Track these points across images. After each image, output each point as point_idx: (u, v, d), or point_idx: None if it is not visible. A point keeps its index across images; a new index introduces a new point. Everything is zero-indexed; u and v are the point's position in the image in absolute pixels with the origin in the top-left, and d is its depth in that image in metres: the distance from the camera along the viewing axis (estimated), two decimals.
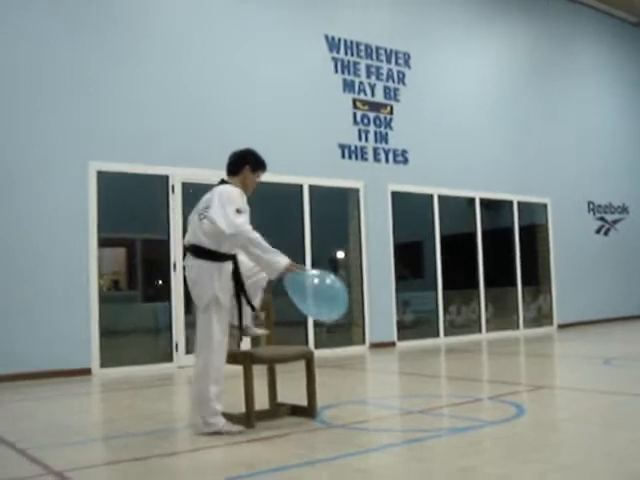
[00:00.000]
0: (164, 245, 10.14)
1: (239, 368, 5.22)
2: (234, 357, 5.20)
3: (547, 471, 3.83)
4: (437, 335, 13.00)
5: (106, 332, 9.54)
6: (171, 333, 10.02)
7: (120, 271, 11.78)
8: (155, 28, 10.21)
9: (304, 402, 5.51)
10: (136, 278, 11.45)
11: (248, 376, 5.09)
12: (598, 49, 17.34)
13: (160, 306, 10.47)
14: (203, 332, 5.07)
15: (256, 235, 4.97)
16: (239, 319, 5.23)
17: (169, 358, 9.97)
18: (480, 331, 13.71)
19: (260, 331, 5.50)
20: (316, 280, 5.12)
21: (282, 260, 4.97)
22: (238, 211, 4.98)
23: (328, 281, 5.12)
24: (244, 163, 5.34)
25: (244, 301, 5.23)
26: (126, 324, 10.58)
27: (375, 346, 11.89)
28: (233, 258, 5.15)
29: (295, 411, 5.54)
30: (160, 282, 10.68)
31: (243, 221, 4.98)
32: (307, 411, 5.44)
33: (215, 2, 10.80)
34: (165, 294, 10.16)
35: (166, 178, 10.06)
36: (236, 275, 5.16)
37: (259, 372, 5.41)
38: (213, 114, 10.43)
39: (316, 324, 11.28)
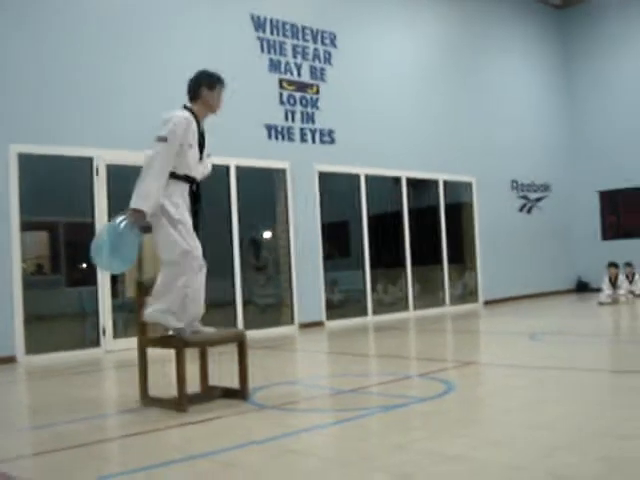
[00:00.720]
0: (89, 228, 9.95)
1: (171, 352, 5.18)
2: (166, 341, 5.16)
3: (477, 446, 3.91)
4: (365, 314, 13.10)
5: (31, 318, 9.33)
6: (98, 318, 9.87)
7: (43, 255, 11.51)
8: (74, 8, 9.92)
9: (236, 384, 5.50)
10: (60, 262, 11.20)
11: (180, 360, 5.05)
12: (523, 31, 17.60)
13: (85, 290, 10.29)
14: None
15: (152, 165, 5.14)
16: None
17: (96, 343, 9.81)
18: (408, 309, 13.87)
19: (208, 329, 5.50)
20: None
21: (132, 203, 5.16)
22: (159, 139, 5.16)
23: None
24: (199, 85, 5.46)
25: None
26: (51, 309, 10.36)
27: (304, 326, 11.93)
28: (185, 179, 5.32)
29: (227, 394, 5.52)
30: (85, 266, 10.49)
31: (153, 151, 5.16)
32: (239, 393, 5.43)
33: None
34: (91, 278, 9.98)
35: (90, 160, 9.85)
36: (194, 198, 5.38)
37: (190, 355, 5.38)
38: (136, 96, 10.22)
39: (246, 304, 11.27)
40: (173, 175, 5.26)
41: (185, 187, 5.32)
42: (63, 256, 10.94)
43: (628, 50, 17.80)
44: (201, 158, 5.45)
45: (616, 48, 17.97)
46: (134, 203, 5.05)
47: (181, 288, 5.14)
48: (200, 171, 5.48)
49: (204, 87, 5.42)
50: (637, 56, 17.63)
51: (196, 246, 5.27)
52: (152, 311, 5.15)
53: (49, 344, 9.48)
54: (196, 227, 5.36)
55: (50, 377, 7.83)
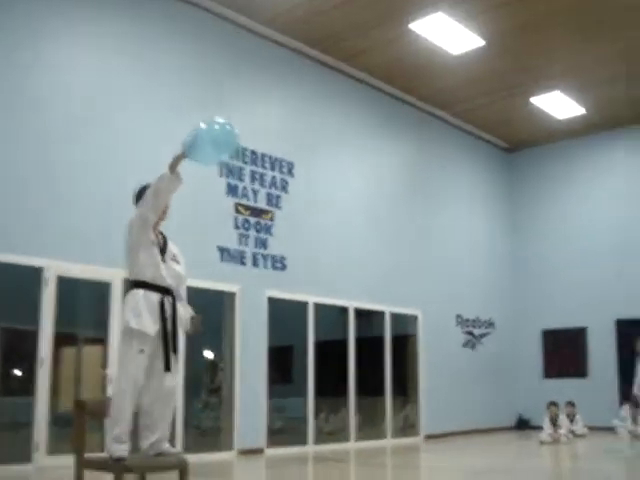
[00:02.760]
0: (32, 337, 9.79)
1: (109, 476, 5.07)
2: (104, 465, 5.05)
3: None
4: (306, 442, 12.91)
5: None
6: (32, 431, 9.55)
7: None
8: (35, 106, 10.01)
9: None
10: None
11: None
12: (472, 170, 18.29)
13: (20, 401, 10.03)
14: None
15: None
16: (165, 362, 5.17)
17: (27, 458, 9.47)
18: (348, 439, 13.73)
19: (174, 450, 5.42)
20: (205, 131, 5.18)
21: (163, 173, 5.19)
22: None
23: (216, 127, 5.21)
24: (139, 199, 5.43)
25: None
26: None
27: (243, 452, 11.70)
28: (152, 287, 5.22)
29: None
30: (21, 374, 10.27)
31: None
32: None
33: (99, 96, 10.79)
34: (27, 387, 9.74)
35: (40, 270, 9.78)
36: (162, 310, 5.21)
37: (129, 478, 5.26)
38: (97, 208, 10.24)
39: (186, 425, 11.06)
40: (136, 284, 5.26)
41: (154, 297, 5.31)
42: None
43: (571, 195, 18.52)
44: (164, 261, 5.41)
45: (560, 192, 18.69)
46: (164, 173, 5.16)
47: (128, 414, 5.07)
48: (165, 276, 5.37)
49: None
50: (580, 201, 18.34)
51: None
52: (107, 442, 5.06)
53: None
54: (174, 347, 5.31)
55: None
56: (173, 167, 5.18)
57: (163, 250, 5.40)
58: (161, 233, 5.50)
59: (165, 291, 5.29)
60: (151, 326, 5.16)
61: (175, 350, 5.31)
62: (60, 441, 9.96)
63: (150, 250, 5.29)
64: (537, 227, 19.03)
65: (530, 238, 19.09)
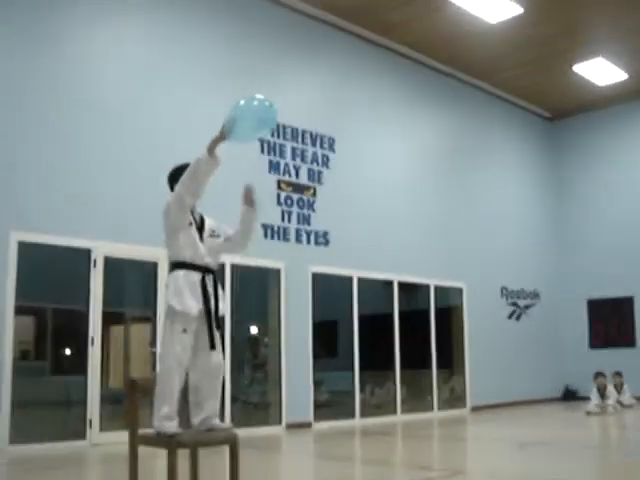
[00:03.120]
0: (82, 317, 10.00)
1: (162, 452, 5.17)
2: (158, 440, 5.16)
3: None
4: (353, 416, 13.02)
5: (15, 405, 9.20)
6: (85, 408, 9.78)
7: (28, 340, 11.46)
8: (83, 96, 10.19)
9: None
10: (46, 349, 11.13)
11: (172, 461, 5.04)
12: (514, 140, 18.14)
13: (72, 379, 10.24)
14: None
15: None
16: (210, 341, 5.28)
17: (82, 435, 9.70)
18: (395, 412, 13.81)
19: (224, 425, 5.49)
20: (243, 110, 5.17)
21: (201, 155, 5.15)
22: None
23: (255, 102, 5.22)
24: (173, 182, 5.44)
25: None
26: (35, 397, 10.24)
27: (291, 426, 11.84)
28: (192, 267, 5.25)
29: None
30: (72, 353, 10.48)
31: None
32: None
33: (144, 81, 10.90)
34: (78, 367, 9.96)
35: (88, 252, 9.97)
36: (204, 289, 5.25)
37: (180, 452, 5.36)
38: (142, 189, 10.39)
39: (234, 400, 11.23)
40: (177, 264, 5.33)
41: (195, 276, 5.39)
42: (49, 343, 10.91)
43: (615, 162, 18.29)
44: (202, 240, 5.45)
45: (604, 160, 18.46)
46: (202, 154, 5.14)
47: (175, 393, 5.16)
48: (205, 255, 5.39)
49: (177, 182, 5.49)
50: (623, 169, 18.10)
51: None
52: (155, 421, 5.16)
53: (33, 434, 9.34)
54: (217, 324, 5.37)
55: (38, 470, 7.72)
56: (211, 149, 5.19)
57: (201, 229, 5.45)
58: (196, 212, 5.53)
59: (205, 270, 5.35)
60: (194, 306, 5.22)
61: (218, 327, 5.37)
62: (112, 418, 10.18)
63: (188, 231, 5.33)
64: (581, 196, 18.82)
65: (574, 208, 18.89)
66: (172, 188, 5.47)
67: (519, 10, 13.17)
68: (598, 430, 11.99)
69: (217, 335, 5.36)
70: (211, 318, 5.27)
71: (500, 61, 15.73)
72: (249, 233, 5.59)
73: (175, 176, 5.46)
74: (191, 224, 5.33)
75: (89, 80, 10.32)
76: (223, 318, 5.50)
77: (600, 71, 16.09)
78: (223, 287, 11.14)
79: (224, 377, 10.98)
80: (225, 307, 5.61)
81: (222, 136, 5.13)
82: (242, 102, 5.19)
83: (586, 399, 15.06)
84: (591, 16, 13.72)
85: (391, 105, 14.71)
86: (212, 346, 5.26)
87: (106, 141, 10.31)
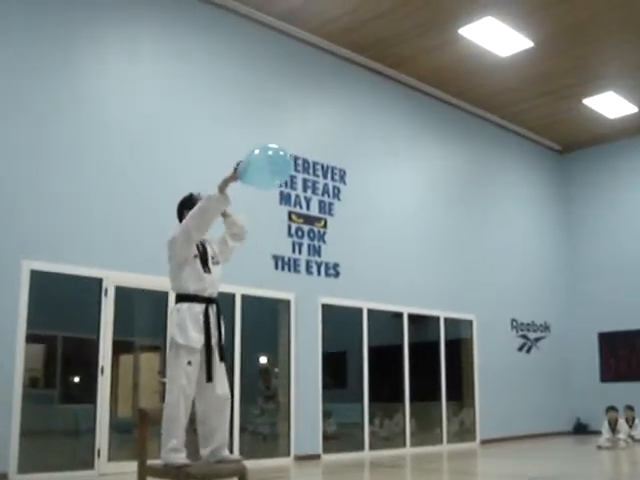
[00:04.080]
0: (92, 345, 10.02)
1: None
2: (167, 472, 5.17)
3: None
4: (362, 448, 12.96)
5: (23, 434, 9.19)
6: (94, 438, 9.76)
7: (37, 368, 11.48)
8: (94, 123, 10.29)
9: None
10: (55, 377, 11.16)
11: None
12: (525, 173, 18.18)
13: (81, 408, 10.24)
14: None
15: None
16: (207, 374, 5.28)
17: (90, 465, 9.68)
18: (405, 445, 13.74)
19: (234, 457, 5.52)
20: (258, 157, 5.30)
21: (212, 193, 5.29)
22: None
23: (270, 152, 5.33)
24: (182, 210, 5.56)
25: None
26: (43, 425, 10.23)
27: (300, 458, 11.79)
28: (196, 299, 5.33)
29: None
30: (81, 382, 10.48)
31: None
32: None
33: (156, 111, 11.01)
34: (88, 395, 9.96)
35: (99, 281, 10.02)
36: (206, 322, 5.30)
37: None
38: (154, 219, 10.43)
39: (243, 430, 11.20)
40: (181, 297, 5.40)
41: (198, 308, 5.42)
42: (59, 371, 10.93)
43: (626, 196, 18.28)
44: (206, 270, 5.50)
45: (614, 193, 18.48)
46: (213, 193, 5.29)
47: (182, 426, 5.18)
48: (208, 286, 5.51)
49: (186, 211, 5.54)
50: (634, 203, 18.09)
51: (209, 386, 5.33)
52: (163, 453, 5.18)
53: (42, 463, 9.31)
54: (221, 356, 5.42)
55: None
56: (222, 188, 5.27)
57: (205, 259, 5.51)
58: (200, 242, 5.59)
59: (209, 301, 5.42)
60: (197, 339, 5.28)
61: (222, 359, 5.42)
62: (120, 447, 10.16)
63: (193, 264, 5.41)
64: (591, 229, 18.81)
65: (584, 240, 18.87)
66: (180, 218, 5.56)
67: (529, 44, 13.27)
68: (609, 465, 11.89)
69: (221, 367, 5.41)
70: (210, 351, 5.32)
71: (511, 94, 15.81)
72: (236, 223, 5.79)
73: (184, 206, 5.56)
74: (196, 256, 5.41)
75: (96, 106, 10.38)
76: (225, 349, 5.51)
77: (610, 104, 16.16)
78: (233, 317, 11.18)
79: (232, 408, 11.02)
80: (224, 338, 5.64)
81: (234, 176, 5.20)
82: (257, 150, 5.28)
83: (597, 433, 14.95)
84: (601, 50, 13.81)
85: (402, 137, 14.80)
86: (209, 379, 5.30)
87: (119, 169, 10.38)
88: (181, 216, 5.59)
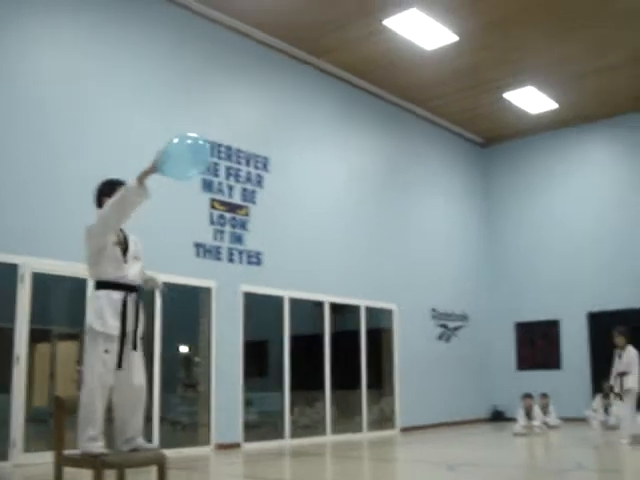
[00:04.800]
0: (7, 334, 9.76)
1: (87, 473, 5.10)
2: (84, 461, 5.08)
3: None
4: (283, 436, 12.98)
5: None
6: (8, 428, 9.53)
7: None
8: (18, 102, 10.02)
9: None
10: None
11: None
12: (447, 164, 18.43)
13: None
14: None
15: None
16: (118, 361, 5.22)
17: (4, 456, 9.44)
18: (325, 433, 13.81)
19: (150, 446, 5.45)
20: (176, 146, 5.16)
21: (130, 182, 5.11)
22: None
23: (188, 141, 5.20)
24: (100, 196, 5.46)
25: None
26: None
27: (221, 447, 11.75)
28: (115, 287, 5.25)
29: None
30: None
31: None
32: None
33: (83, 92, 10.78)
34: (2, 385, 9.70)
35: (15, 267, 9.76)
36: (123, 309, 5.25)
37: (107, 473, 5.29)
38: (73, 205, 10.21)
39: (162, 420, 11.09)
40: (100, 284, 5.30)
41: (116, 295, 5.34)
42: None
43: (545, 189, 18.75)
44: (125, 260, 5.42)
45: (534, 186, 18.93)
46: (131, 182, 5.10)
47: (99, 414, 5.10)
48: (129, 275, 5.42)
49: (105, 197, 5.38)
50: (553, 195, 18.56)
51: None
52: (80, 442, 5.10)
53: None
54: (134, 345, 5.35)
55: None
56: (141, 180, 5.15)
57: (125, 249, 5.43)
58: (121, 231, 5.50)
59: (128, 288, 5.34)
60: (115, 326, 5.21)
61: (136, 347, 5.35)
62: (36, 438, 9.95)
63: (113, 250, 5.32)
64: (511, 220, 19.22)
65: (504, 231, 19.27)
66: (99, 202, 5.45)
67: (454, 38, 13.44)
68: (524, 450, 12.18)
69: (138, 356, 5.36)
70: (124, 338, 5.25)
71: (434, 87, 15.99)
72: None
73: (103, 191, 5.45)
74: (115, 244, 5.32)
75: (25, 84, 10.14)
76: (144, 338, 5.44)
77: (531, 99, 16.50)
78: (153, 305, 11.03)
79: (152, 397, 10.90)
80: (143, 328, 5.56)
81: (153, 168, 5.10)
82: (175, 140, 5.18)
83: (514, 420, 15.30)
84: (525, 46, 14.06)
85: (326, 127, 14.83)
86: (119, 365, 5.24)
87: (37, 153, 10.12)
88: (99, 202, 5.47)
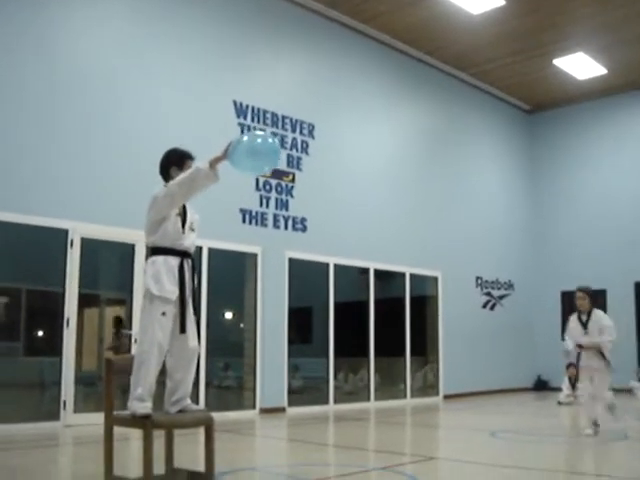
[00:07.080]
0: (57, 298, 9.95)
1: (137, 432, 5.19)
2: (134, 421, 5.18)
3: None
4: (327, 402, 13.08)
5: None
6: (59, 390, 9.74)
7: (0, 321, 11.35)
8: (63, 75, 10.12)
9: (200, 468, 5.50)
10: (19, 330, 11.06)
11: (147, 441, 5.06)
12: (493, 132, 18.24)
13: (46, 361, 10.19)
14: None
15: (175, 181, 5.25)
16: (181, 325, 5.30)
17: (56, 416, 9.67)
18: (369, 399, 13.90)
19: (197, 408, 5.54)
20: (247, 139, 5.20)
21: (202, 165, 5.15)
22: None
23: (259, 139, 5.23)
24: (168, 165, 5.50)
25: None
26: (7, 378, 10.16)
27: (265, 411, 11.89)
28: (172, 252, 5.33)
29: (192, 477, 5.52)
30: (46, 335, 10.42)
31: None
32: (204, 478, 5.43)
33: (127, 62, 10.84)
34: (53, 348, 9.91)
35: (65, 232, 9.91)
36: (181, 274, 5.30)
37: (155, 433, 5.38)
38: (120, 172, 10.35)
39: (208, 384, 11.26)
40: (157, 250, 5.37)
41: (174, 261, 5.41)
42: (23, 324, 10.84)
43: (591, 157, 18.46)
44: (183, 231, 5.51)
45: (581, 154, 18.64)
46: (203, 164, 5.15)
47: (152, 376, 5.18)
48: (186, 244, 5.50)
49: (173, 166, 5.46)
50: (600, 163, 18.27)
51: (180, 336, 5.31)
52: (130, 401, 5.19)
53: (6, 415, 9.24)
54: (195, 309, 5.43)
55: (12, 450, 7.71)
56: (213, 164, 5.21)
57: (184, 220, 5.50)
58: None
59: (184, 254, 5.41)
60: (172, 291, 5.28)
61: (195, 312, 5.43)
62: (85, 400, 10.16)
63: (174, 220, 5.39)
64: (557, 188, 18.96)
65: (550, 199, 19.04)
66: (165, 171, 5.51)
67: (501, 2, 13.23)
68: (568, 419, 12.13)
69: (192, 319, 5.42)
70: (184, 303, 5.32)
71: (481, 53, 15.78)
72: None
73: (171, 160, 5.52)
74: (176, 215, 5.41)
75: (68, 59, 10.23)
76: (199, 303, 5.53)
77: (580, 65, 16.20)
78: (200, 271, 11.14)
79: (199, 362, 11.03)
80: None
81: (223, 156, 5.15)
82: (245, 137, 5.23)
83: (557, 389, 15.23)
84: (572, 10, 13.79)
85: (372, 93, 14.74)
86: (182, 330, 5.31)
87: (86, 123, 10.23)
88: (166, 170, 5.52)
